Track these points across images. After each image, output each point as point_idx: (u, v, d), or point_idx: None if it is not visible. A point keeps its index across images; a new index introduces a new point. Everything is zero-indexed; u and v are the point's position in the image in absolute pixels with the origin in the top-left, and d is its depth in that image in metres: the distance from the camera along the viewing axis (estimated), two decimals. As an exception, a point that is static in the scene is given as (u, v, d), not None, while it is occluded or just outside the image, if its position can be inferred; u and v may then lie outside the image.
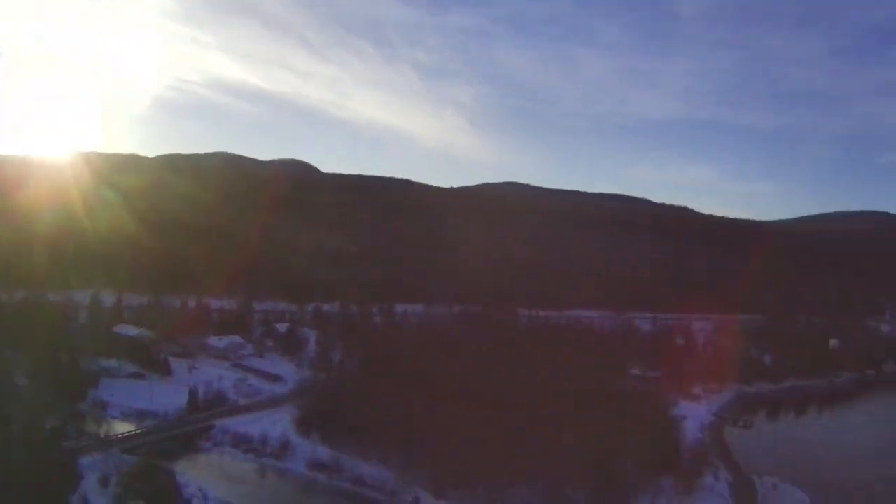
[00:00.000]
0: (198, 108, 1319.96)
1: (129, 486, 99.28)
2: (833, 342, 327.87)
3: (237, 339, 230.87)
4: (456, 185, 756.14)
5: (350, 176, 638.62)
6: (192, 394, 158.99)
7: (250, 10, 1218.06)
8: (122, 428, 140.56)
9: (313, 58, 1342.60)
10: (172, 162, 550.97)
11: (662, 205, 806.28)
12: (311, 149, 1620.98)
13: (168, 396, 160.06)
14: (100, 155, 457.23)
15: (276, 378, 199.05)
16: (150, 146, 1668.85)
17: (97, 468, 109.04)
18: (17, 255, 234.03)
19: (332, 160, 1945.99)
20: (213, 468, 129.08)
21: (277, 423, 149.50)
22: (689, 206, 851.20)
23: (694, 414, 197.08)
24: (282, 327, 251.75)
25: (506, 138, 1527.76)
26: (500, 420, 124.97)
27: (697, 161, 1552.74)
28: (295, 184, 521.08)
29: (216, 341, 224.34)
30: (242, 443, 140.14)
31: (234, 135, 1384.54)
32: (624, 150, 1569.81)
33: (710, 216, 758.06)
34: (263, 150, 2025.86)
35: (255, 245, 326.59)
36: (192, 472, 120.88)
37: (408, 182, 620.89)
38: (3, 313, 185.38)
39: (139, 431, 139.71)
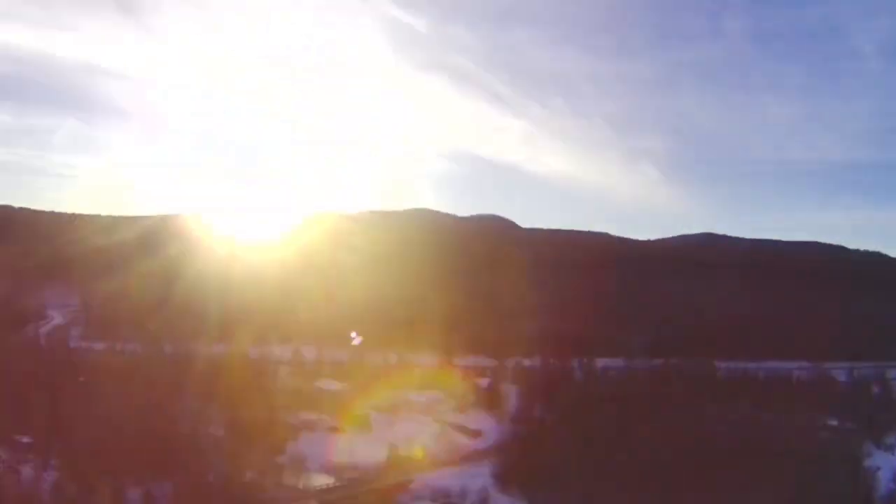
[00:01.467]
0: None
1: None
2: None
3: (438, 394, 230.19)
4: (652, 237, 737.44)
5: (548, 231, 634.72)
6: (392, 448, 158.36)
7: (440, 66, 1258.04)
8: (321, 481, 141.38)
9: (505, 112, 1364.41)
10: (372, 218, 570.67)
11: (857, 251, 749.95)
12: (507, 204, 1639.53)
13: (367, 450, 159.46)
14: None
15: (476, 433, 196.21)
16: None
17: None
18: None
19: (528, 215, 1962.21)
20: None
21: (477, 478, 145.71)
22: (885, 251, 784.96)
23: (888, 464, 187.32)
24: (483, 382, 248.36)
25: (698, 188, 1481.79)
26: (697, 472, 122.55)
27: (889, 204, 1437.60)
28: (495, 239, 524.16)
29: (417, 396, 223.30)
30: (441, 496, 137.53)
31: (431, 191, 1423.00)
32: (813, 196, 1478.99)
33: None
34: (461, 205, 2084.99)
35: (456, 301, 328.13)
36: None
37: (606, 235, 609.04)
38: (199, 367, 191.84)
39: (338, 484, 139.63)
